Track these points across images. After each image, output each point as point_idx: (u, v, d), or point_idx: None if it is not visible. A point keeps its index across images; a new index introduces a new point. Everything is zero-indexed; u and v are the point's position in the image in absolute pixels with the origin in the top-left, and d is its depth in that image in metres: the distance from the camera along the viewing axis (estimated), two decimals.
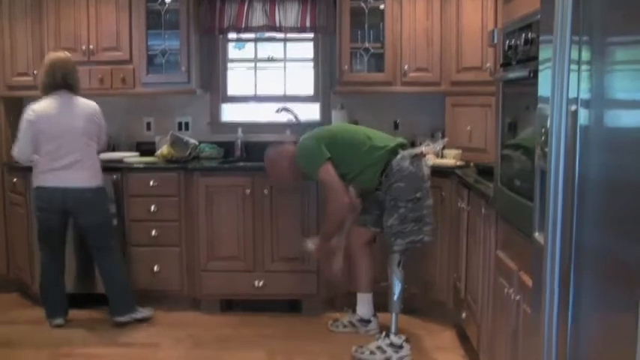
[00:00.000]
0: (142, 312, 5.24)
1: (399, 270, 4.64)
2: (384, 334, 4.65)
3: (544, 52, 2.24)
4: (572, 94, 1.86)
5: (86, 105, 5.02)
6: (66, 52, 5.14)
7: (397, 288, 4.64)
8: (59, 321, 5.13)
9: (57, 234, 5.10)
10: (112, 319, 5.15)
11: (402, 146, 4.69)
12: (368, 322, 4.99)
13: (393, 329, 4.62)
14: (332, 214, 4.73)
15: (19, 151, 5.08)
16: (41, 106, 4.97)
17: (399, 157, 4.58)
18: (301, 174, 4.84)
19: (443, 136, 5.61)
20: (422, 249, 5.05)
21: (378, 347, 4.57)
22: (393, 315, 4.65)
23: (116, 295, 5.16)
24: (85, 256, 5.33)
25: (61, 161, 4.94)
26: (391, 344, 4.56)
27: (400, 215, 4.54)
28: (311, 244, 4.98)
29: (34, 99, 5.77)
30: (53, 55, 5.07)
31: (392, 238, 4.60)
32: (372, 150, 4.65)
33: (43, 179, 4.99)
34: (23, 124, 5.00)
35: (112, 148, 6.01)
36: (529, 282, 2.72)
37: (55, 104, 4.96)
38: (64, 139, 4.93)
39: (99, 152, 5.17)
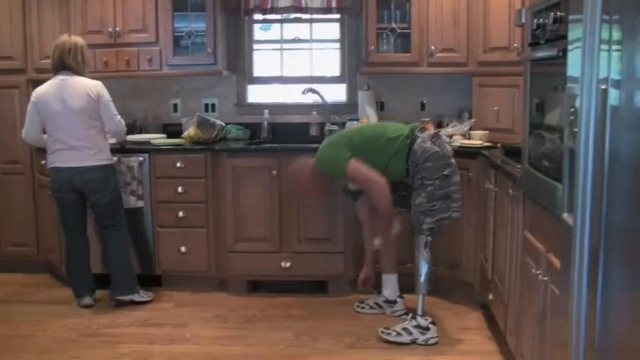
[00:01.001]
0: (142, 296, 5.29)
1: (427, 251, 4.63)
2: (410, 315, 4.66)
3: (574, 32, 2.22)
4: (602, 74, 1.84)
5: (82, 84, 5.00)
6: (72, 36, 5.14)
7: (424, 269, 4.64)
8: (87, 300, 5.19)
9: (74, 213, 5.15)
10: (112, 297, 5.21)
11: (414, 130, 4.69)
12: (394, 302, 5.00)
13: (419, 311, 4.61)
14: (378, 201, 4.72)
15: (25, 131, 5.20)
16: (43, 88, 5.06)
17: (419, 140, 4.59)
18: (327, 185, 4.92)
19: (470, 117, 5.58)
20: (449, 229, 5.05)
21: (405, 329, 4.57)
22: (420, 297, 4.64)
23: (117, 274, 5.20)
24: None
25: (64, 141, 5.00)
26: (418, 326, 4.56)
27: (428, 193, 4.54)
28: (378, 241, 4.97)
29: None
30: (57, 39, 5.13)
31: (421, 217, 4.59)
32: (389, 142, 4.65)
33: (52, 160, 5.08)
34: (28, 106, 5.14)
35: (139, 130, 6.05)
36: (557, 263, 2.71)
37: (54, 85, 5.02)
38: (63, 119, 4.98)
39: (112, 132, 5.15)
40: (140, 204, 5.38)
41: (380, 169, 4.65)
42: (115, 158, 5.25)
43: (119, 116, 5.11)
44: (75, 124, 4.97)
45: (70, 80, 5.00)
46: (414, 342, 4.52)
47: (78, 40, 5.09)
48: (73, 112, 4.95)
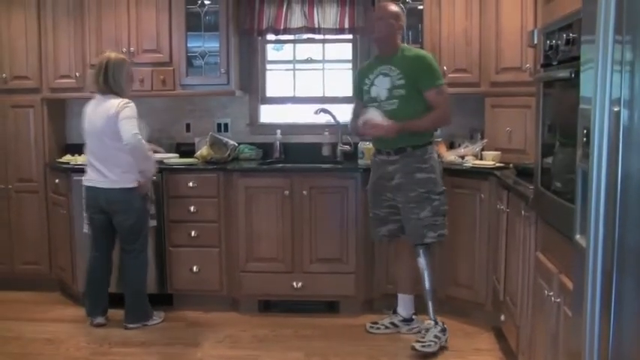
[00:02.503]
0: (154, 319, 5.27)
1: (427, 259, 4.78)
2: (432, 323, 4.75)
3: (586, 53, 2.22)
4: (615, 95, 1.84)
5: (107, 104, 4.93)
6: (111, 53, 5.12)
7: (428, 278, 4.80)
8: (100, 320, 5.18)
9: (102, 233, 5.14)
10: (124, 323, 5.17)
11: None
12: (410, 320, 5.03)
13: (433, 316, 4.77)
14: (436, 121, 4.84)
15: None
16: (87, 107, 5.08)
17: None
18: (394, 37, 4.82)
19: (482, 137, 5.57)
20: (461, 250, 5.04)
21: (435, 336, 4.67)
22: (430, 303, 4.79)
23: (130, 302, 5.16)
24: None
25: (92, 160, 5.04)
26: (442, 330, 4.74)
27: (434, 208, 4.67)
28: (379, 116, 4.70)
29: (77, 101, 5.89)
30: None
31: (424, 230, 4.69)
32: None
33: (85, 178, 5.09)
34: None
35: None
36: (569, 284, 2.70)
37: (91, 104, 5.05)
38: (89, 139, 5.02)
39: (129, 147, 4.88)
40: (153, 223, 5.38)
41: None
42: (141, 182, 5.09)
43: (136, 131, 4.88)
44: (97, 145, 4.98)
45: (101, 100, 4.99)
46: (442, 347, 4.67)
47: (106, 57, 5.04)
48: (95, 132, 4.96)
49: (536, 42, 3.67)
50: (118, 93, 4.99)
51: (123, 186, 4.98)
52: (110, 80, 4.98)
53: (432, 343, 4.61)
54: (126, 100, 4.96)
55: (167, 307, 5.53)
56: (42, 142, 6.05)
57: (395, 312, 5.09)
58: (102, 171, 4.96)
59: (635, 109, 1.80)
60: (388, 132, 4.64)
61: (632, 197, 1.81)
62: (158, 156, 5.52)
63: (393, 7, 4.87)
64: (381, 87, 4.79)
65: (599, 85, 1.83)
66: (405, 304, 5.04)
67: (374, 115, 4.68)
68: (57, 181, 5.80)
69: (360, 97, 4.98)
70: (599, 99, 1.84)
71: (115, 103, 4.92)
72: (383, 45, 4.84)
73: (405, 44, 5.04)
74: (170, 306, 5.60)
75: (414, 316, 5.04)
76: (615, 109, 1.84)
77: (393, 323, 5.06)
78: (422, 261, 4.77)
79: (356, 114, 4.97)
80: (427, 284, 4.79)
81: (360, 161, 5.66)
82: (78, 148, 5.85)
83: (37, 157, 6.04)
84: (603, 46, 1.82)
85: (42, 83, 6.03)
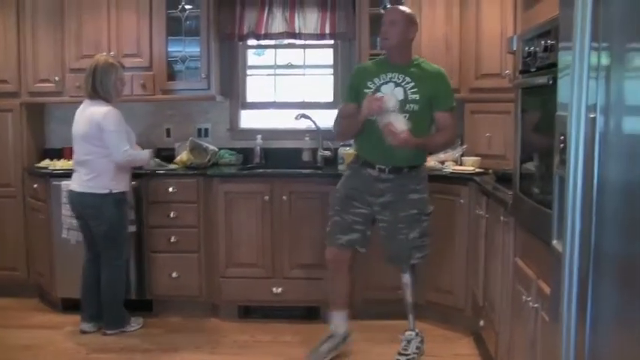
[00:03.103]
0: (133, 325, 5.22)
1: (412, 279, 4.68)
2: (413, 334, 4.68)
3: (563, 59, 2.24)
4: (591, 101, 1.85)
5: (92, 109, 4.92)
6: (100, 56, 5.09)
7: (412, 294, 4.70)
8: (84, 326, 5.13)
9: (88, 237, 5.10)
10: (102, 330, 5.13)
11: None
12: (345, 337, 4.78)
13: (415, 327, 4.71)
14: (447, 143, 4.78)
15: None
16: (78, 109, 5.06)
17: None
18: (408, 45, 4.55)
19: (462, 143, 5.59)
20: (439, 255, 5.06)
21: (417, 347, 4.66)
22: (411, 316, 4.71)
23: (107, 310, 5.10)
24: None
25: (75, 165, 5.04)
26: (422, 340, 4.70)
27: (423, 229, 4.55)
28: (402, 123, 4.26)
29: (56, 105, 5.86)
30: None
31: (412, 251, 4.56)
32: None
33: (69, 182, 5.09)
34: None
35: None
36: (547, 290, 2.71)
37: (80, 108, 5.03)
38: (74, 143, 5.01)
39: (117, 163, 4.94)
40: (132, 229, 5.34)
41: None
42: (115, 189, 5.00)
43: (125, 147, 4.91)
44: (81, 149, 4.96)
45: (88, 104, 4.97)
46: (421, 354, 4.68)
47: (94, 62, 5.01)
48: (78, 136, 4.94)
49: (515, 48, 3.69)
50: (105, 98, 4.96)
51: (94, 191, 4.93)
52: (97, 85, 4.95)
53: (415, 355, 4.59)
54: (111, 109, 4.92)
55: (146, 313, 5.50)
56: (20, 147, 6.00)
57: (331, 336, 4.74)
58: (79, 174, 4.95)
59: (610, 116, 1.81)
60: (406, 144, 4.24)
61: (608, 203, 1.83)
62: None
63: (408, 11, 4.60)
64: (390, 96, 4.36)
65: (576, 91, 1.85)
66: (342, 321, 4.75)
67: (396, 121, 4.23)
68: (35, 186, 5.76)
69: (354, 100, 4.52)
70: (576, 105, 1.85)
71: (100, 110, 4.89)
72: (394, 53, 4.52)
73: (418, 55, 4.73)
74: (149, 312, 5.57)
75: (347, 332, 4.78)
76: (591, 116, 1.86)
77: (333, 347, 4.72)
78: (407, 277, 4.66)
79: (344, 116, 4.60)
80: (411, 298, 4.69)
81: (340, 167, 5.66)
82: (57, 153, 5.82)
83: (16, 162, 5.99)
84: (580, 52, 1.83)
85: (21, 87, 5.98)
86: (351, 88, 4.64)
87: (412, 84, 4.42)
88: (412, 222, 4.51)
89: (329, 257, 4.71)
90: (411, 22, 4.52)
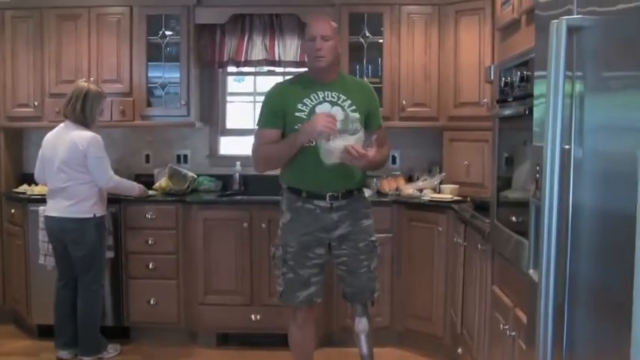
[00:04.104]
0: (110, 352, 5.16)
1: (369, 318, 4.27)
2: None
3: (538, 88, 2.27)
4: (566, 130, 1.88)
5: (75, 134, 4.88)
6: (88, 83, 5.09)
7: (369, 338, 4.28)
8: (61, 354, 5.04)
9: (61, 263, 5.04)
10: (78, 355, 5.05)
11: None
12: None
13: None
14: (383, 160, 4.20)
15: (35, 173, 5.15)
16: (49, 133, 5.02)
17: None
18: (338, 60, 4.15)
19: (440, 171, 5.63)
20: (417, 283, 5.06)
21: None
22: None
23: (82, 335, 5.02)
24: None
25: (50, 189, 4.98)
26: None
27: (378, 257, 4.21)
28: (358, 140, 3.81)
29: (35, 130, 5.83)
30: (75, 84, 5.09)
31: (375, 284, 4.21)
32: None
33: (45, 207, 5.03)
34: None
35: None
36: (524, 318, 2.72)
37: (55, 132, 4.97)
38: (50, 167, 4.93)
39: (103, 189, 5.01)
40: (110, 255, 5.30)
41: None
42: (98, 214, 4.99)
43: (110, 173, 4.95)
44: (57, 174, 4.89)
45: (68, 129, 4.91)
46: None
47: (85, 87, 4.99)
48: (59, 161, 4.87)
49: (492, 78, 3.73)
50: (87, 125, 4.95)
51: (76, 216, 4.89)
52: (87, 111, 4.93)
53: None
54: (94, 135, 4.91)
55: (124, 340, 5.45)
56: None
57: None
58: (58, 200, 4.90)
59: (585, 144, 1.83)
60: (369, 163, 3.89)
61: (583, 232, 1.85)
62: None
63: (333, 23, 4.14)
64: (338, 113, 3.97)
65: (550, 120, 1.87)
66: None
67: (354, 141, 3.79)
68: (12, 211, 5.72)
69: (277, 125, 4.02)
70: (551, 135, 1.87)
71: (84, 135, 4.87)
72: (327, 71, 4.04)
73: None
74: (127, 339, 5.52)
75: None
76: (566, 147, 1.88)
77: None
78: (365, 322, 4.21)
79: (271, 148, 4.05)
80: (368, 350, 4.29)
81: None
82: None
83: None
84: (554, 81, 1.86)
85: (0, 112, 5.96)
86: (273, 112, 4.05)
87: (349, 101, 4.00)
88: (370, 251, 4.13)
89: (291, 318, 4.24)
90: (337, 32, 4.10)
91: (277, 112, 4.02)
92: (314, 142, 3.86)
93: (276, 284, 4.19)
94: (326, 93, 4.00)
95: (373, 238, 4.15)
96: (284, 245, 4.06)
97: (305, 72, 4.28)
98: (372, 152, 3.80)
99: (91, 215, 4.92)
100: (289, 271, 4.06)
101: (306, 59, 4.23)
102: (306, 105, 3.97)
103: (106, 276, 5.27)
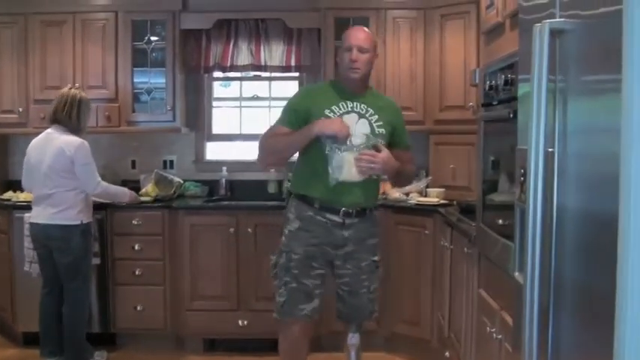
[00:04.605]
0: (96, 359, 5.11)
1: (361, 334, 4.19)
2: None
3: (522, 91, 2.28)
4: (549, 133, 1.89)
5: (62, 140, 4.84)
6: (74, 89, 5.06)
7: (358, 355, 4.19)
8: None
9: (46, 269, 4.98)
10: None
11: None
12: None
13: None
14: (408, 175, 4.23)
15: (22, 180, 5.11)
16: (35, 139, 4.97)
17: None
18: (370, 73, 4.03)
19: (427, 175, 5.63)
20: (404, 286, 5.06)
21: None
22: None
23: (68, 343, 4.96)
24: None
25: (36, 196, 4.94)
26: None
27: (378, 278, 4.09)
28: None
29: (20, 137, 5.79)
30: (60, 90, 5.05)
31: (375, 305, 4.11)
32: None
33: (31, 213, 4.99)
34: None
35: None
36: (510, 321, 2.72)
37: (41, 139, 4.93)
38: (36, 174, 4.89)
39: (91, 195, 4.97)
40: (96, 261, 5.28)
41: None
42: (85, 220, 4.95)
43: (98, 180, 4.92)
44: (43, 180, 4.84)
45: (56, 135, 4.87)
46: None
47: (78, 94, 4.98)
48: (45, 167, 4.82)
49: (477, 81, 3.74)
50: (75, 131, 4.91)
51: (63, 223, 4.85)
52: (82, 118, 4.93)
53: None
54: (82, 141, 4.88)
55: (110, 347, 5.42)
56: None
57: None
58: (44, 207, 4.87)
59: (568, 146, 1.84)
60: (385, 166, 3.81)
61: (567, 234, 1.85)
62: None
63: (373, 37, 4.07)
64: (354, 129, 3.82)
65: (534, 123, 1.88)
66: None
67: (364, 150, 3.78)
68: None
69: (296, 127, 3.89)
70: (534, 137, 1.88)
71: (71, 141, 4.84)
72: (359, 83, 3.96)
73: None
74: (113, 345, 5.50)
75: None
76: (550, 150, 1.89)
77: None
78: (357, 338, 4.13)
79: (281, 137, 3.95)
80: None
81: None
82: (20, 185, 5.75)
83: None
84: (538, 85, 1.87)
85: None
86: (296, 112, 3.95)
87: (376, 116, 3.89)
88: (372, 271, 4.01)
89: (289, 334, 4.02)
90: (376, 46, 4.03)
91: (300, 112, 3.92)
92: (327, 151, 3.78)
93: (277, 296, 3.96)
94: (355, 104, 3.89)
95: (375, 258, 4.01)
96: (288, 252, 3.89)
97: (336, 79, 4.21)
98: (383, 153, 3.76)
99: (78, 222, 4.88)
100: (293, 280, 3.87)
101: (338, 67, 4.13)
102: (334, 112, 3.85)
103: (92, 283, 5.24)
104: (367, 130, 3.84)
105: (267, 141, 4.03)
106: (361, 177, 3.79)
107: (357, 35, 3.92)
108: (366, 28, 4.08)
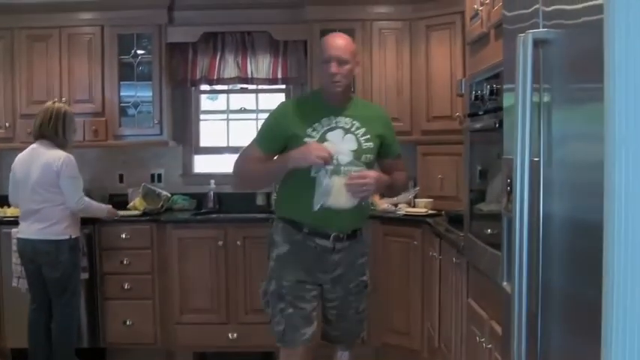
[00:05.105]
0: None
1: (351, 352, 4.00)
2: None
3: (507, 101, 2.29)
4: (535, 141, 1.90)
5: (48, 155, 4.81)
6: (58, 103, 5.03)
7: None
8: None
9: (36, 284, 4.94)
10: None
11: None
12: None
13: None
14: (401, 185, 3.94)
15: (9, 196, 5.08)
16: (20, 154, 4.94)
17: None
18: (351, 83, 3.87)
19: (415, 185, 5.64)
20: (394, 297, 5.06)
21: None
22: None
23: (57, 357, 4.91)
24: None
25: (23, 211, 4.91)
26: None
27: (366, 297, 3.84)
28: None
29: (6, 151, 5.76)
30: (44, 105, 5.02)
31: (363, 325, 3.91)
32: None
33: (18, 229, 4.96)
34: None
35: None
36: (500, 330, 2.73)
37: (27, 153, 4.90)
38: (22, 189, 4.86)
39: (71, 210, 4.88)
40: (85, 276, 5.25)
41: None
42: (73, 235, 4.91)
43: (81, 195, 4.87)
44: (31, 195, 4.81)
45: (42, 150, 4.83)
46: None
47: (62, 108, 4.95)
48: (31, 182, 4.79)
49: (463, 92, 3.75)
50: (61, 146, 4.88)
51: (51, 238, 4.82)
52: (68, 133, 4.91)
53: None
54: (68, 155, 4.85)
55: None
56: None
57: None
58: (31, 222, 4.84)
59: (553, 156, 1.85)
60: (379, 184, 3.57)
61: (554, 242, 1.86)
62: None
63: (352, 44, 3.65)
64: (340, 146, 3.51)
65: (519, 132, 1.88)
66: None
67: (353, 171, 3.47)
68: None
69: (272, 149, 3.62)
70: (520, 147, 1.89)
71: (57, 156, 4.80)
72: (342, 96, 3.64)
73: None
74: None
75: None
76: (535, 159, 1.90)
77: None
78: (348, 355, 3.97)
79: (258, 166, 3.63)
80: None
81: None
82: (7, 200, 5.73)
83: None
84: (522, 93, 1.88)
85: None
86: (273, 135, 3.64)
87: (363, 129, 3.58)
88: (360, 291, 3.77)
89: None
90: (356, 53, 3.69)
91: (278, 136, 3.60)
92: (314, 173, 3.45)
93: (273, 325, 3.64)
94: (339, 118, 3.57)
95: (364, 278, 3.75)
96: (278, 278, 3.59)
97: (317, 91, 3.90)
98: (373, 172, 3.52)
99: (67, 237, 4.86)
100: (288, 306, 3.56)
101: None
102: (317, 130, 3.52)
103: (80, 297, 5.21)
104: (354, 146, 3.52)
105: (242, 167, 3.72)
106: (351, 204, 3.47)
107: (335, 45, 3.56)
108: (344, 35, 3.68)
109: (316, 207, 3.42)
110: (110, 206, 5.34)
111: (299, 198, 3.54)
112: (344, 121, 3.57)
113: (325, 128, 3.53)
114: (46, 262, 4.84)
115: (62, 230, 4.84)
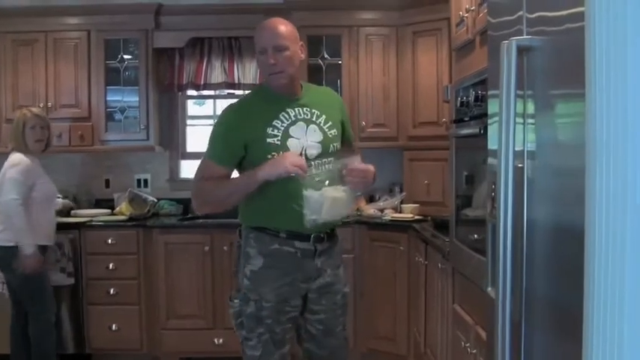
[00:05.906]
0: None
1: None
2: None
3: (492, 107, 2.30)
4: (518, 147, 1.91)
5: (7, 161, 4.72)
6: (26, 109, 4.91)
7: None
8: None
9: (10, 291, 4.89)
10: None
11: None
12: None
13: None
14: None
15: None
16: None
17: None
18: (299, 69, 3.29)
19: (401, 191, 5.65)
20: (379, 302, 5.07)
21: None
22: None
23: None
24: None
25: None
26: None
27: (346, 311, 3.46)
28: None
29: None
30: None
31: (346, 340, 3.48)
32: None
33: None
34: None
35: (70, 206, 5.91)
36: (485, 336, 2.74)
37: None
38: None
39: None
40: (70, 281, 5.24)
41: None
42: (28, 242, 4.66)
43: (14, 196, 4.58)
44: None
45: (9, 157, 4.76)
46: None
47: (25, 113, 4.82)
48: None
49: (449, 98, 3.77)
50: (22, 150, 4.75)
51: (3, 244, 4.67)
52: (25, 136, 4.77)
53: None
54: (23, 159, 4.71)
55: None
56: None
57: None
58: None
59: (537, 161, 1.86)
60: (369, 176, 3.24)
61: (537, 248, 1.87)
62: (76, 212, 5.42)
63: (288, 25, 3.21)
64: (305, 140, 3.16)
65: (504, 138, 1.89)
66: None
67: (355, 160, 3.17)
68: None
69: (231, 165, 3.24)
70: (504, 152, 1.90)
71: (12, 159, 4.71)
72: (291, 86, 3.22)
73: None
74: None
75: None
76: (519, 165, 1.91)
77: None
78: None
79: (220, 185, 3.22)
80: None
81: None
82: None
83: None
84: (506, 99, 1.89)
85: None
86: (228, 145, 3.21)
87: (323, 117, 3.24)
88: (344, 305, 3.39)
89: None
90: (298, 37, 3.24)
91: (234, 145, 3.17)
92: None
93: (247, 348, 3.27)
94: (297, 110, 3.19)
95: (346, 289, 3.40)
96: (257, 300, 3.17)
97: (262, 86, 3.43)
98: (370, 165, 3.21)
99: (14, 244, 4.63)
100: (266, 331, 3.19)
101: (262, 75, 3.47)
102: (277, 128, 3.13)
103: (55, 303, 5.02)
104: (319, 137, 3.19)
105: (204, 189, 3.30)
106: (345, 213, 3.19)
107: (268, 32, 3.15)
108: (279, 19, 3.24)
109: (309, 224, 3.05)
110: (37, 250, 4.69)
111: (271, 206, 3.16)
112: (302, 111, 3.21)
113: (286, 123, 3.15)
114: (4, 268, 4.77)
115: (12, 237, 4.66)
